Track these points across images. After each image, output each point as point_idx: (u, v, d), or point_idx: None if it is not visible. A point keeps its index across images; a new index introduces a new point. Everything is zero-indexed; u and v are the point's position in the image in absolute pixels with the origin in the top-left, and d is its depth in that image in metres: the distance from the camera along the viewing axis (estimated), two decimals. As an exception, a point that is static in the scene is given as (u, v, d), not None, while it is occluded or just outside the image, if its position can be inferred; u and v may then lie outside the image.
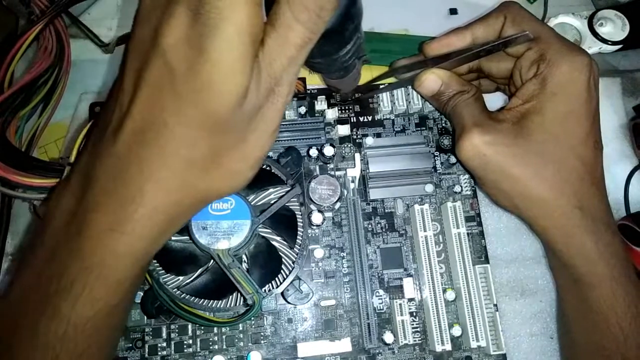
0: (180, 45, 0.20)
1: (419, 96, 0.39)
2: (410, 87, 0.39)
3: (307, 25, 0.21)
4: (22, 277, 0.25)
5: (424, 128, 0.40)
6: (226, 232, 0.31)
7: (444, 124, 0.40)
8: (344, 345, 0.35)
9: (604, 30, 0.42)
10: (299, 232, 0.35)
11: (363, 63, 0.33)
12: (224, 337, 0.35)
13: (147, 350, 0.35)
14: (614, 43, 0.42)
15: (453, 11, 0.45)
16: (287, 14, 0.20)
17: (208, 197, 0.25)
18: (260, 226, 0.33)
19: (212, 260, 0.33)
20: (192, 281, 0.33)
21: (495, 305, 0.35)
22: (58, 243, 0.24)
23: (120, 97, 0.23)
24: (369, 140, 0.39)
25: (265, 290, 0.34)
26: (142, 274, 0.27)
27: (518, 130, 0.32)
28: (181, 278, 0.33)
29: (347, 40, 0.27)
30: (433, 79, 0.35)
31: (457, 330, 0.35)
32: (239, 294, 0.32)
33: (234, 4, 0.19)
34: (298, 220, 0.35)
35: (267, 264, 0.34)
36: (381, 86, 0.39)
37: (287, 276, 0.34)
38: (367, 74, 0.41)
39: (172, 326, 0.35)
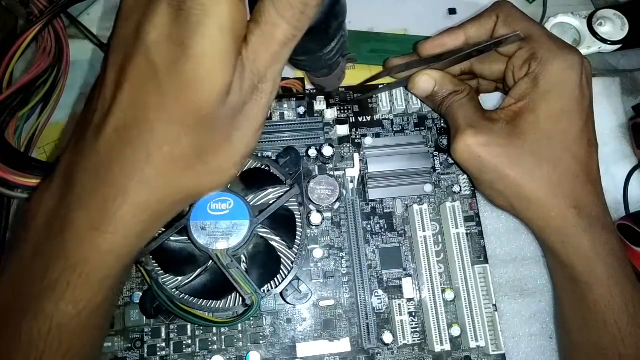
0: (162, 42, 0.20)
1: (418, 96, 0.39)
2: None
3: (291, 22, 0.21)
4: (5, 276, 0.25)
5: (423, 128, 0.40)
6: (225, 232, 0.31)
7: (442, 124, 0.40)
8: (343, 345, 0.35)
9: (603, 29, 0.42)
10: (298, 232, 0.35)
11: (348, 61, 0.33)
12: (223, 337, 0.35)
13: (146, 350, 0.35)
14: (613, 43, 0.42)
15: (452, 11, 0.45)
16: (271, 11, 0.20)
17: (192, 195, 0.25)
18: (259, 226, 0.33)
19: (210, 261, 0.33)
20: (191, 281, 0.33)
21: (495, 305, 0.35)
22: (41, 242, 0.24)
23: (103, 95, 0.23)
24: (368, 141, 0.39)
25: (264, 290, 0.34)
26: (127, 272, 0.27)
27: (512, 129, 0.32)
28: (180, 278, 0.33)
29: (331, 38, 0.27)
30: (426, 80, 0.35)
31: (456, 331, 0.35)
32: (237, 294, 0.32)
33: (216, 1, 0.19)
34: (297, 220, 0.35)
35: (266, 264, 0.34)
36: (380, 86, 0.39)
37: (286, 276, 0.34)
38: (366, 74, 0.41)
39: (171, 326, 0.35)
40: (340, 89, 0.40)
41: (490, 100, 0.41)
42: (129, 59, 0.21)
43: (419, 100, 0.39)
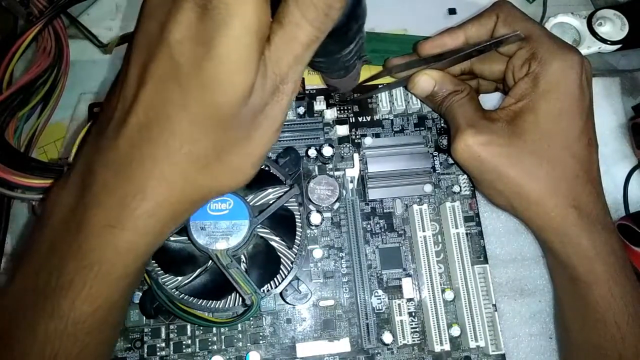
0: (187, 41, 0.20)
1: (418, 96, 0.39)
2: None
3: (314, 23, 0.21)
4: (21, 274, 0.25)
5: (423, 128, 0.40)
6: (225, 232, 0.31)
7: (442, 124, 0.40)
8: (343, 345, 0.35)
9: (603, 29, 0.42)
10: (297, 233, 0.35)
11: (363, 63, 0.33)
12: (222, 337, 0.35)
13: (146, 350, 0.35)
14: (613, 43, 0.42)
15: (452, 11, 0.45)
16: (295, 12, 0.20)
17: (210, 194, 0.25)
18: (258, 226, 0.33)
19: (210, 261, 0.33)
20: (190, 281, 0.33)
21: (494, 305, 0.35)
22: (57, 239, 0.24)
23: (124, 91, 0.23)
24: (368, 141, 0.39)
25: (263, 290, 0.34)
26: (142, 270, 0.27)
27: (512, 129, 0.32)
28: (180, 278, 0.33)
29: (350, 40, 0.27)
30: (426, 80, 0.35)
31: (456, 331, 0.35)
32: (237, 294, 0.32)
33: (241, 1, 0.19)
34: (297, 220, 0.35)
35: (265, 264, 0.34)
36: (380, 86, 0.39)
37: (285, 276, 0.34)
38: (366, 73, 0.41)
39: (171, 326, 0.35)
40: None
41: (490, 100, 0.41)
42: (152, 57, 0.21)
43: (418, 100, 0.39)
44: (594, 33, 0.42)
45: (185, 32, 0.20)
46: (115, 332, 0.29)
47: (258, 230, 0.33)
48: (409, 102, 0.39)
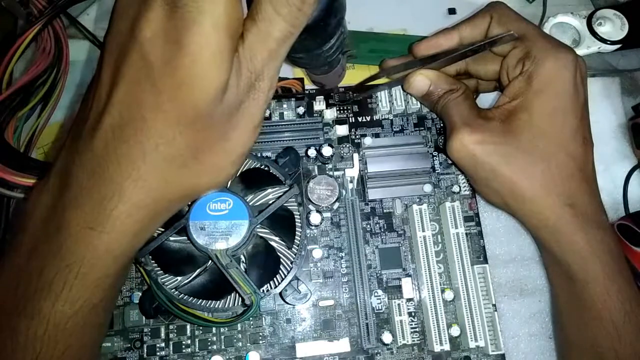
0: (157, 39, 0.20)
1: (417, 96, 0.39)
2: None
3: (288, 19, 0.21)
4: (2, 276, 0.25)
5: (423, 128, 0.40)
6: (224, 232, 0.31)
7: (442, 124, 0.40)
8: (343, 345, 0.35)
9: (603, 29, 0.42)
10: (297, 232, 0.35)
11: (348, 59, 0.33)
12: (222, 337, 0.35)
13: (145, 350, 0.35)
14: (613, 42, 0.42)
15: (452, 11, 0.45)
16: (268, 8, 0.20)
17: (189, 194, 0.25)
18: (258, 226, 0.33)
19: (210, 261, 0.33)
20: (190, 281, 0.33)
21: (494, 305, 0.35)
22: (37, 241, 0.24)
23: (98, 93, 0.23)
24: (368, 141, 0.39)
25: (263, 290, 0.34)
26: (124, 271, 0.26)
27: (507, 128, 0.32)
28: (179, 278, 0.33)
29: (330, 35, 0.27)
30: (421, 80, 0.35)
31: (455, 331, 0.35)
32: (237, 294, 0.32)
33: None
34: (296, 220, 0.35)
35: (265, 264, 0.34)
36: (379, 85, 0.39)
37: (285, 276, 0.34)
38: (365, 73, 0.41)
39: (171, 326, 0.35)
40: (340, 88, 0.40)
41: (489, 100, 0.41)
42: (123, 57, 0.21)
43: (418, 101, 0.39)
44: (593, 33, 0.42)
45: (155, 30, 0.20)
46: (100, 334, 0.29)
47: (257, 230, 0.33)
48: (408, 102, 0.39)
